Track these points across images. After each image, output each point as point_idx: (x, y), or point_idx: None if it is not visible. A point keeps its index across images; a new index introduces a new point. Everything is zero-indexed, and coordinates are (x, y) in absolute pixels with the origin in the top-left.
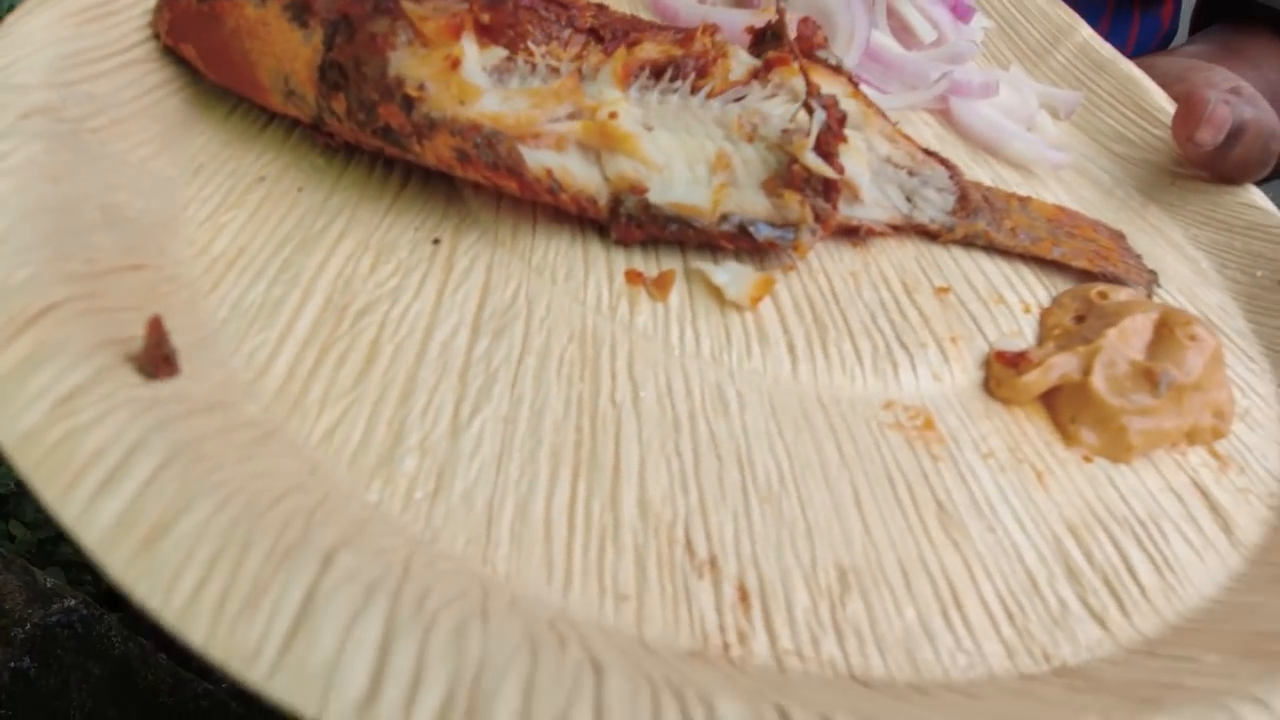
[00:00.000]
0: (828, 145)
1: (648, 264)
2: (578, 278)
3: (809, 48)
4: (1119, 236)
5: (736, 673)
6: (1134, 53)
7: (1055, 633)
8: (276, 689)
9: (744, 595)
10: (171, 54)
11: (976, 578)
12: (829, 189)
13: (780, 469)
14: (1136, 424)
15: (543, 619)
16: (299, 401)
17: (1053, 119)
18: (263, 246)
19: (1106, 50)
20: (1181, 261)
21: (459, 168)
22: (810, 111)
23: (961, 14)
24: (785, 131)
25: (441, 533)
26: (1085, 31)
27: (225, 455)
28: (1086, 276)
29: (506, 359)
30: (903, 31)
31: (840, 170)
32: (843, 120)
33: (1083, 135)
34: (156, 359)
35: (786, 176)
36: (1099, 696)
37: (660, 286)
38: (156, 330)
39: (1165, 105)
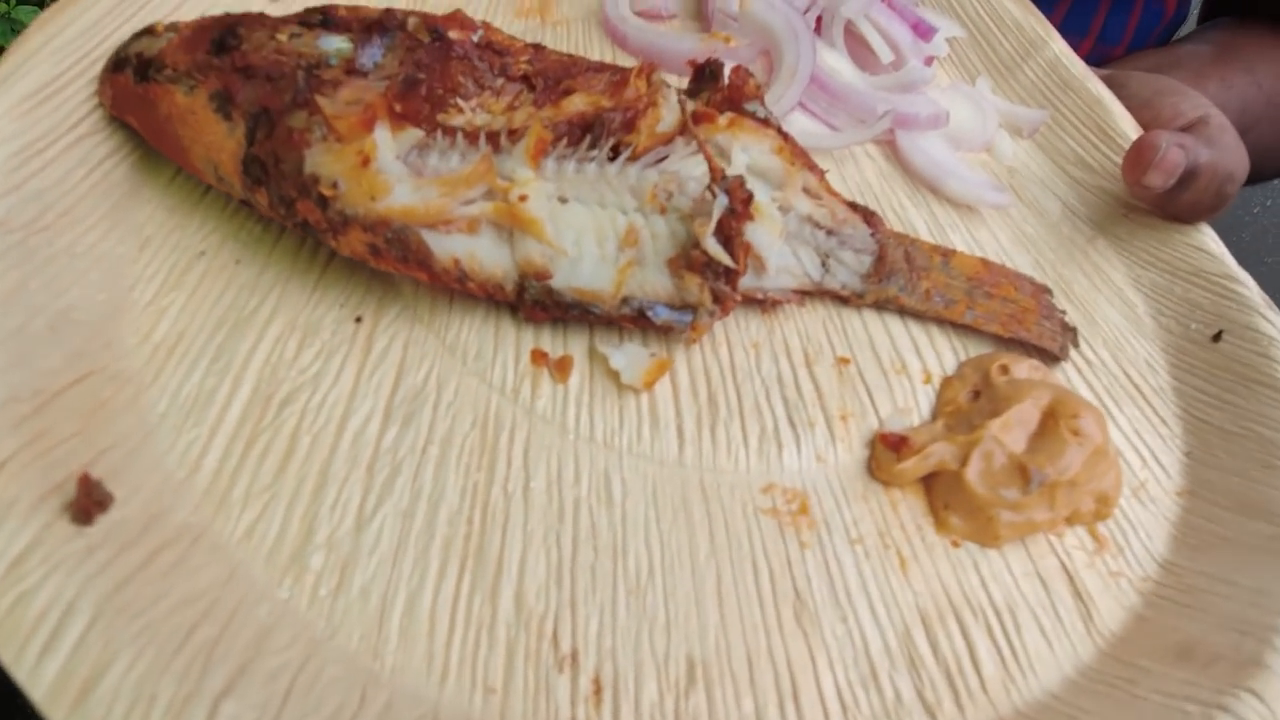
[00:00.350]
0: (729, 229)
1: (555, 342)
2: (486, 357)
3: (739, 98)
4: (1042, 292)
5: None
6: (1132, 42)
7: None
8: None
9: (598, 688)
10: (118, 121)
11: (819, 669)
12: (730, 273)
13: (651, 560)
14: (1006, 516)
15: None
16: (224, 499)
17: (1016, 137)
18: (200, 330)
19: (1077, 68)
20: (1118, 306)
21: (372, 260)
22: (714, 195)
23: (923, 32)
24: (697, 201)
25: (339, 630)
26: (1057, 46)
27: (147, 593)
28: (1001, 340)
29: (412, 449)
30: (862, 48)
31: (742, 255)
32: (748, 201)
33: (1043, 155)
34: (88, 506)
35: (688, 259)
36: None
37: (561, 369)
38: (85, 484)
39: (1129, 131)
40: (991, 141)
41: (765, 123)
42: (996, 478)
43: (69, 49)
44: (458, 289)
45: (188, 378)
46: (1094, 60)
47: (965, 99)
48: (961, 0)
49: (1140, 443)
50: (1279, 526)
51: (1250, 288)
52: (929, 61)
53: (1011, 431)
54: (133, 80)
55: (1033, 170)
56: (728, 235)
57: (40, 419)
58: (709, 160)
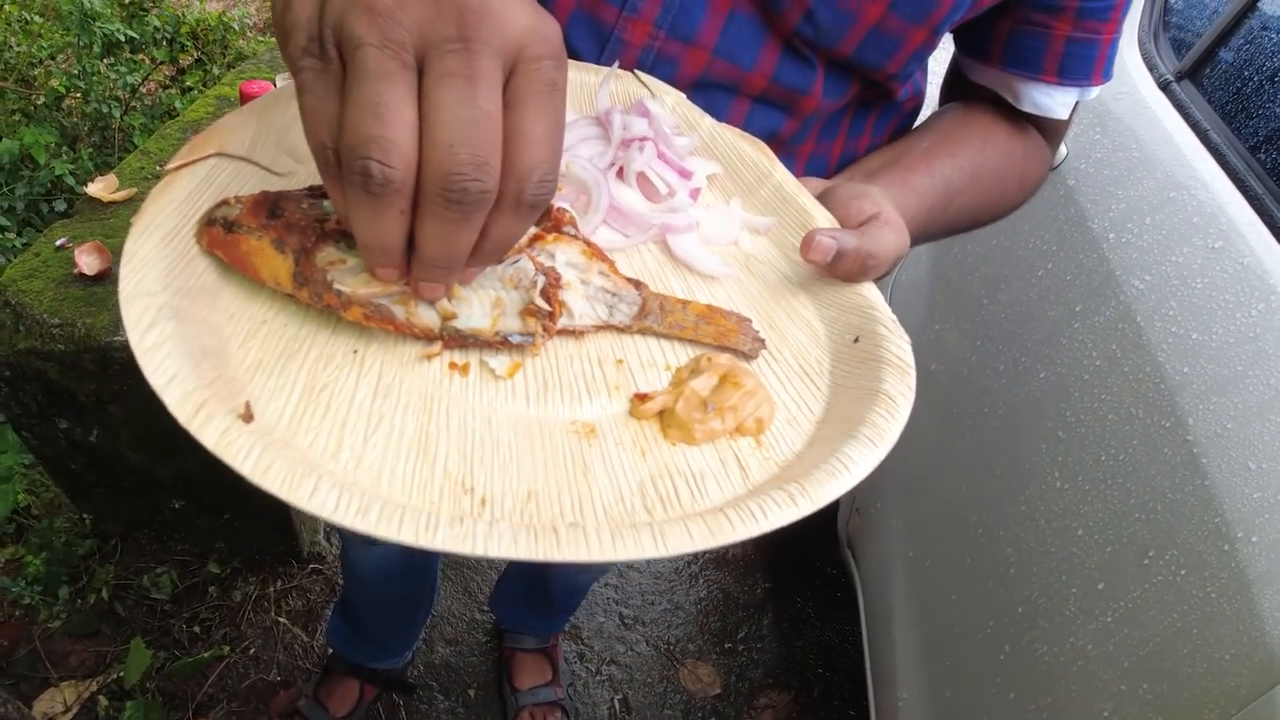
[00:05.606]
0: (547, 293)
1: (464, 357)
2: (425, 365)
3: (558, 225)
4: (744, 321)
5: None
6: (874, 134)
7: (623, 522)
8: None
9: (484, 502)
10: (210, 253)
11: (594, 495)
12: (550, 316)
13: (510, 451)
14: (698, 428)
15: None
16: (297, 428)
17: (755, 235)
18: (270, 360)
19: (790, 188)
20: (805, 331)
21: (363, 322)
22: (538, 276)
23: (685, 174)
24: (530, 279)
25: (360, 477)
26: (779, 175)
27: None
28: (714, 347)
29: (383, 406)
30: (649, 185)
31: (557, 307)
32: (558, 280)
33: (774, 246)
34: (247, 418)
35: (528, 309)
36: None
37: (464, 370)
38: (247, 409)
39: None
40: (737, 238)
41: (574, 237)
42: (692, 408)
43: (177, 212)
44: (408, 332)
45: (267, 381)
46: (846, 154)
47: (720, 213)
48: (716, 145)
49: (799, 398)
50: (816, 421)
51: (881, 311)
52: (695, 192)
53: (703, 386)
54: (221, 232)
55: (765, 256)
56: (547, 297)
57: (212, 387)
58: (533, 261)
